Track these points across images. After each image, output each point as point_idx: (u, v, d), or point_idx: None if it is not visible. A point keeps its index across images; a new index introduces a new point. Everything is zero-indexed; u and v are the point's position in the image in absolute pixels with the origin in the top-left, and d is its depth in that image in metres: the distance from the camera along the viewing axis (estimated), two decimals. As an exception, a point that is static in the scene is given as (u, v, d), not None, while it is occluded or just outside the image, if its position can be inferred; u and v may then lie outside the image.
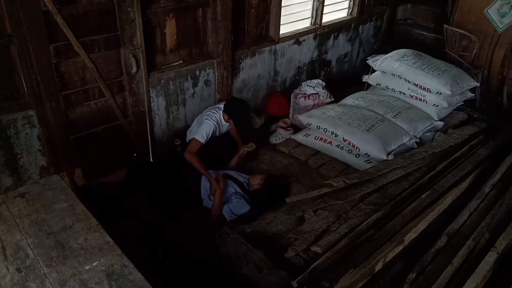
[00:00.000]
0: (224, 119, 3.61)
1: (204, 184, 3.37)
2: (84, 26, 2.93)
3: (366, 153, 3.76)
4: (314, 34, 4.82)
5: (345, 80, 5.45)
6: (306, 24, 4.81)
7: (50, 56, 2.83)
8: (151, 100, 3.54)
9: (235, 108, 3.58)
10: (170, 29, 3.48)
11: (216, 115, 3.58)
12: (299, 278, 2.52)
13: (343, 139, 3.85)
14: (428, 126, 4.23)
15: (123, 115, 3.41)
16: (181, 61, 3.68)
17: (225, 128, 3.72)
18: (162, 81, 3.56)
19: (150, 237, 2.96)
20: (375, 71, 4.82)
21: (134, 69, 3.28)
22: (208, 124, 3.50)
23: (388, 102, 4.37)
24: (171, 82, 3.63)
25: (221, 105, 3.64)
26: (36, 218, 2.22)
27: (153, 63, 3.49)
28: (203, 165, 3.34)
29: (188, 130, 3.85)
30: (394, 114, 4.17)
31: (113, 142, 3.45)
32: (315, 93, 4.48)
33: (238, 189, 3.32)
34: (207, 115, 3.58)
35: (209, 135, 3.46)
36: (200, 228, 3.11)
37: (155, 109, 3.62)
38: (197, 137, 3.43)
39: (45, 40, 2.77)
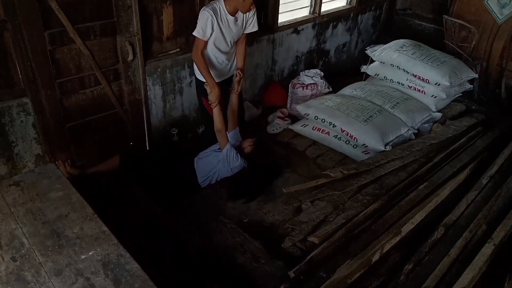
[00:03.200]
0: (235, 7, 3.10)
1: (199, 165, 3.34)
2: (79, 13, 2.88)
3: (364, 144, 3.75)
4: (312, 23, 4.78)
5: (344, 70, 5.42)
6: (304, 13, 4.77)
7: (45, 43, 2.79)
8: (148, 88, 3.51)
9: None
10: (167, 16, 3.44)
11: (212, 6, 3.10)
12: (296, 268, 2.52)
13: (341, 129, 3.84)
14: (426, 117, 4.22)
15: (119, 103, 3.38)
16: (178, 49, 3.64)
17: (226, 21, 3.17)
18: (158, 70, 3.53)
19: (146, 227, 2.95)
20: (373, 61, 4.79)
21: (130, 57, 3.24)
22: (202, 15, 3.08)
23: (386, 92, 4.35)
24: (168, 71, 3.60)
25: None
26: (31, 207, 2.20)
27: (150, 51, 3.45)
28: (207, 68, 3.17)
29: None
30: (392, 105, 4.15)
31: (109, 131, 3.43)
32: (313, 83, 4.46)
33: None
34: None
35: (207, 27, 3.08)
36: (197, 218, 3.10)
37: (151, 97, 3.58)
38: (195, 33, 3.12)
39: (40, 27, 2.73)
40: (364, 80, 4.92)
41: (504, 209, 2.96)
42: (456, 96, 4.58)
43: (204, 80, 3.29)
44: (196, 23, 3.14)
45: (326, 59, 5.31)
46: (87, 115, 3.25)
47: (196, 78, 3.49)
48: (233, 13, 3.16)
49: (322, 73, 4.59)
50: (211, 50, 3.29)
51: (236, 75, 3.43)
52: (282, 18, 4.45)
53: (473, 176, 3.39)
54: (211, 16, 3.06)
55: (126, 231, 2.75)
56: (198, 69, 3.25)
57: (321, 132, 3.98)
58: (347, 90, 4.50)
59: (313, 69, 4.65)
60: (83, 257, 1.94)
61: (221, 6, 3.12)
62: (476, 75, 4.59)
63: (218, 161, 3.34)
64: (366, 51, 4.86)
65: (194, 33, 3.15)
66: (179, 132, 3.85)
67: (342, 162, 3.78)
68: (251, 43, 4.19)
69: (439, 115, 4.32)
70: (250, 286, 2.57)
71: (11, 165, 3.02)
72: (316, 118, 3.99)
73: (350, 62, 5.59)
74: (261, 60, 4.43)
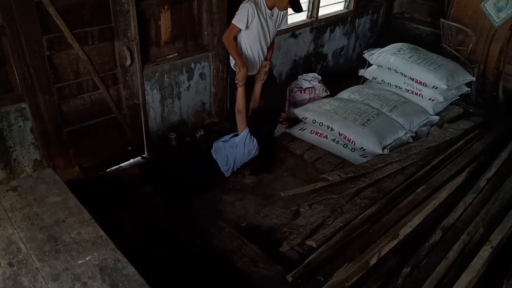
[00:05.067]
0: (273, 3, 3.29)
1: (218, 155, 3.46)
2: (77, 18, 2.89)
3: (362, 147, 3.75)
4: (310, 27, 4.79)
5: (341, 74, 5.43)
6: (302, 17, 4.78)
7: (43, 48, 2.80)
8: (146, 93, 3.52)
9: None
10: (165, 21, 3.45)
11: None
12: (294, 272, 2.52)
13: (339, 133, 3.84)
14: (424, 120, 4.23)
15: (117, 108, 3.38)
16: (176, 54, 3.65)
17: (265, 15, 3.36)
18: (156, 74, 3.53)
19: (145, 231, 2.95)
20: (371, 65, 4.81)
21: (128, 62, 3.24)
22: (244, 7, 3.25)
23: (384, 96, 4.36)
24: (166, 75, 3.60)
25: None
26: (28, 212, 2.19)
27: (148, 56, 3.46)
28: (238, 50, 3.34)
29: None
30: (390, 108, 4.16)
31: (107, 135, 3.43)
32: (311, 87, 4.47)
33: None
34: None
35: (246, 19, 3.24)
36: (195, 222, 3.10)
37: (149, 102, 3.59)
38: (233, 21, 3.28)
39: (38, 32, 2.73)
40: (362, 84, 4.93)
41: (502, 212, 2.96)
42: (454, 99, 4.59)
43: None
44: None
45: (324, 63, 5.31)
46: (85, 119, 3.26)
47: (231, 68, 3.63)
48: (270, 8, 3.36)
49: (320, 77, 4.60)
50: (247, 41, 3.44)
51: (265, 66, 3.62)
52: (280, 22, 4.46)
53: (471, 179, 3.39)
54: (252, 9, 3.24)
55: (126, 234, 2.77)
56: (229, 51, 3.36)
57: (319, 135, 3.98)
58: (345, 94, 4.51)
59: (311, 73, 4.66)
60: (80, 262, 1.94)
61: (261, 1, 3.31)
62: (474, 78, 4.60)
63: (236, 145, 3.45)
64: (363, 55, 4.88)
65: (233, 21, 3.29)
66: (177, 136, 3.85)
67: (340, 165, 3.79)
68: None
69: (436, 118, 4.33)
70: (248, 290, 2.57)
71: (9, 170, 3.02)
72: (314, 121, 3.99)
73: (348, 66, 5.60)
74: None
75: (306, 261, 2.60)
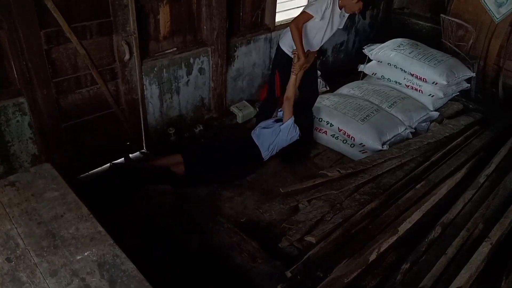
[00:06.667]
0: (343, 4, 3.38)
1: (261, 140, 3.57)
2: (75, 12, 2.87)
3: (361, 143, 3.75)
4: (310, 22, 4.76)
5: (341, 70, 5.41)
6: (302, 12, 4.75)
7: (41, 42, 2.78)
8: (144, 88, 3.50)
9: None
10: (164, 15, 3.43)
11: None
12: (293, 268, 2.51)
13: (338, 128, 3.84)
14: (424, 116, 4.22)
15: (116, 103, 3.36)
16: (175, 49, 3.63)
17: (337, 11, 3.45)
18: (155, 69, 3.51)
19: (144, 227, 2.94)
20: (371, 60, 4.79)
21: (127, 56, 3.22)
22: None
23: (383, 92, 4.35)
24: (164, 70, 3.58)
25: None
26: (26, 207, 2.18)
27: (147, 51, 3.44)
28: (301, 38, 3.35)
29: (287, 29, 3.60)
30: (390, 104, 4.15)
31: (106, 130, 3.41)
32: (311, 82, 4.44)
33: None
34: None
35: (321, 9, 3.31)
36: (194, 218, 3.09)
37: (148, 97, 3.57)
38: (308, 10, 3.33)
39: (36, 26, 2.71)
40: (362, 79, 4.92)
41: (501, 208, 2.96)
42: (453, 95, 4.58)
43: (288, 53, 3.57)
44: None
45: (324, 59, 5.29)
46: (84, 114, 3.24)
47: (280, 49, 3.65)
48: (340, 7, 3.44)
49: (319, 72, 4.58)
50: (315, 30, 3.48)
51: (314, 56, 3.71)
52: (280, 17, 4.44)
53: (470, 175, 3.39)
54: (329, 3, 3.32)
55: (125, 230, 2.76)
56: (293, 37, 3.36)
57: (319, 131, 3.98)
58: (344, 89, 4.50)
59: (311, 68, 4.63)
60: (78, 257, 1.92)
61: None
62: (473, 74, 4.59)
63: (279, 131, 3.58)
64: (363, 50, 4.86)
65: (307, 10, 3.34)
66: (176, 131, 3.84)
67: (340, 161, 3.78)
68: (248, 42, 4.18)
69: (436, 114, 4.32)
70: (247, 286, 2.57)
71: (7, 165, 3.01)
72: (313, 117, 3.98)
73: (348, 61, 5.58)
74: (259, 59, 4.41)
75: (305, 257, 2.59)
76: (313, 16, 3.32)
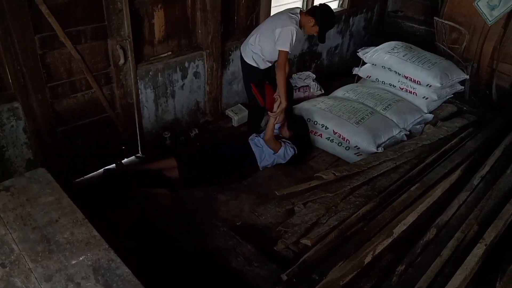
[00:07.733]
0: (302, 25, 3.44)
1: (257, 149, 3.60)
2: (70, 16, 2.86)
3: (356, 146, 3.76)
4: (304, 26, 4.78)
5: (336, 73, 5.44)
6: (296, 15, 4.77)
7: (35, 47, 2.77)
8: (139, 92, 3.50)
9: (326, 12, 3.46)
10: (159, 19, 3.43)
11: (293, 20, 3.38)
12: (288, 271, 2.51)
13: (333, 131, 3.85)
14: (418, 118, 4.24)
15: (111, 107, 3.36)
16: (170, 53, 3.64)
17: (298, 33, 3.47)
18: (150, 73, 3.52)
19: (140, 230, 2.94)
20: (365, 63, 4.81)
21: (121, 61, 3.22)
22: (290, 31, 3.33)
23: (378, 94, 4.37)
24: (159, 74, 3.59)
25: (293, 11, 3.46)
26: (21, 212, 2.17)
27: (141, 55, 3.44)
28: (286, 84, 3.47)
29: (244, 42, 3.68)
30: (384, 107, 4.17)
31: (101, 135, 3.41)
32: (306, 86, 4.47)
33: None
34: (281, 22, 3.38)
35: (294, 42, 3.37)
36: (190, 221, 3.09)
37: (143, 101, 3.57)
38: (285, 49, 3.35)
39: (30, 31, 2.70)
40: (356, 82, 4.94)
41: (495, 209, 2.97)
42: (448, 97, 4.61)
43: (254, 64, 3.60)
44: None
45: (318, 62, 5.32)
46: (79, 119, 3.23)
47: (245, 62, 3.66)
48: (300, 27, 3.47)
49: (314, 75, 4.60)
50: (273, 51, 3.46)
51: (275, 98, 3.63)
52: (274, 21, 4.44)
53: (465, 176, 3.40)
54: (297, 31, 3.37)
55: (121, 233, 2.76)
56: (280, 82, 3.44)
57: (314, 134, 3.98)
58: (339, 92, 4.52)
59: (306, 71, 4.65)
60: (73, 262, 1.92)
61: (298, 20, 3.41)
62: (467, 76, 4.62)
63: (277, 156, 3.62)
64: (358, 53, 4.88)
65: (285, 49, 3.35)
66: (171, 135, 3.84)
67: (335, 164, 3.79)
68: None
69: (430, 116, 4.34)
70: (243, 290, 2.57)
71: (2, 170, 2.99)
72: (308, 120, 3.99)
73: (342, 64, 5.61)
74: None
75: (301, 260, 2.59)
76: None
